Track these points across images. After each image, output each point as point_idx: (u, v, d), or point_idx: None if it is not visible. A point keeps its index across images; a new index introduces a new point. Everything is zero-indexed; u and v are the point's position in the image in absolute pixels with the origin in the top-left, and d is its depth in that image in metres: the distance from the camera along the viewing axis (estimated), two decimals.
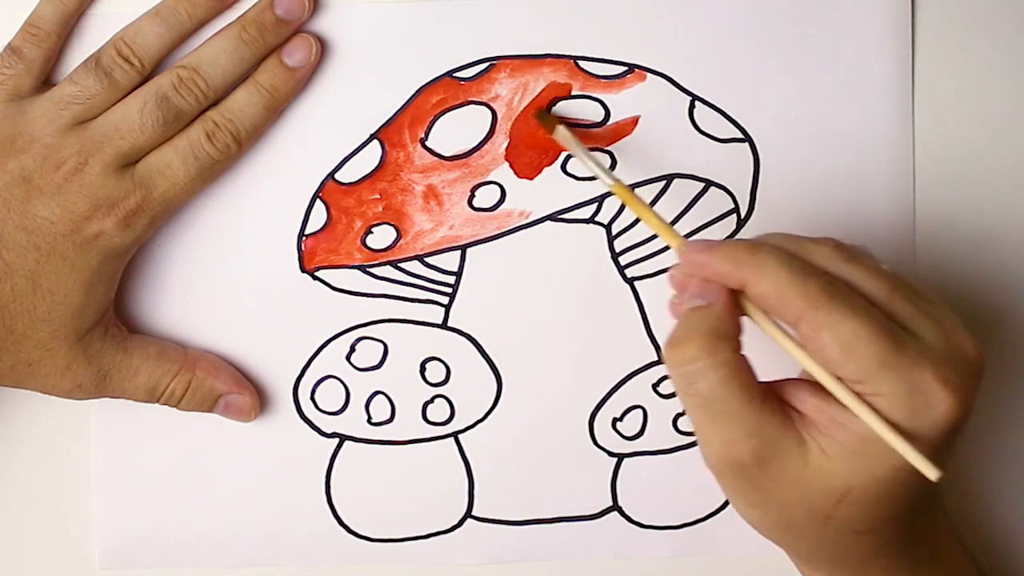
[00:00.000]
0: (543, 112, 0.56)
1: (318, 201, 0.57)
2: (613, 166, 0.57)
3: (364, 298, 0.58)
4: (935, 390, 0.45)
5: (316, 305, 0.58)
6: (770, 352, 0.49)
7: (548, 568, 0.59)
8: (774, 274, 0.46)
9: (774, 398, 0.48)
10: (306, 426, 0.59)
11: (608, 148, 0.57)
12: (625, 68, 0.57)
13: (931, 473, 0.45)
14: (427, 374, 0.58)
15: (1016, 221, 0.58)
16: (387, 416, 0.58)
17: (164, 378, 0.56)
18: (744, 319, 0.48)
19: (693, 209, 0.57)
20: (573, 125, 0.57)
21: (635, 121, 0.57)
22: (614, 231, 0.57)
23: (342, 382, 0.58)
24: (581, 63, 0.57)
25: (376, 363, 0.58)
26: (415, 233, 0.57)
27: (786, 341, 0.47)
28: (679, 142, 0.57)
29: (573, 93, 0.57)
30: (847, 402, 0.46)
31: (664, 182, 0.57)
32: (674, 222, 0.57)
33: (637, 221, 0.57)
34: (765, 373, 0.48)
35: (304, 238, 0.57)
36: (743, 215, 0.57)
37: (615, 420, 0.58)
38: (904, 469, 0.45)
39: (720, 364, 0.47)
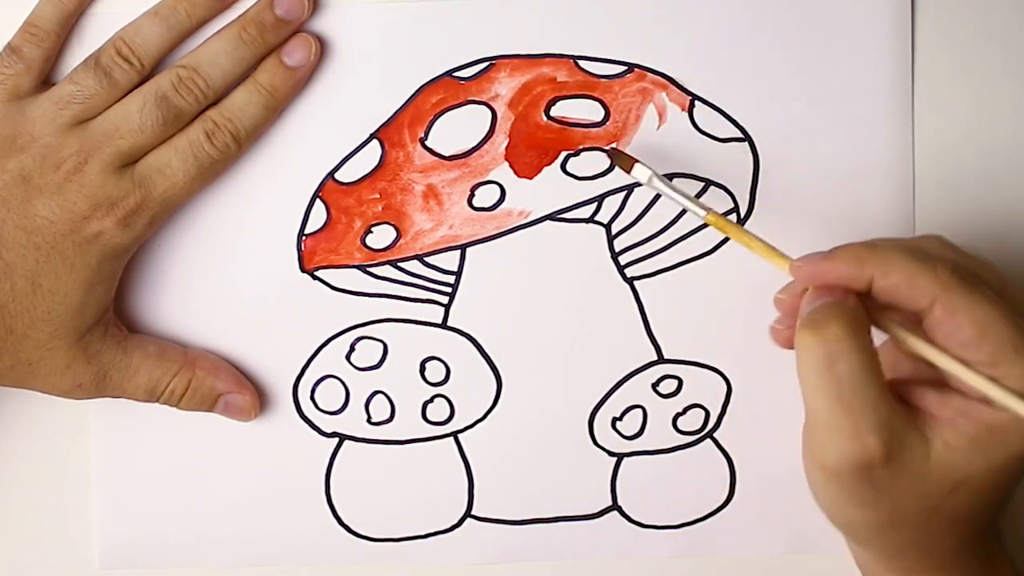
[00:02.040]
0: (617, 152, 0.56)
1: (318, 201, 0.57)
2: (613, 166, 0.57)
3: (364, 298, 0.58)
4: None
5: (316, 305, 0.58)
6: None
7: (548, 568, 0.59)
8: (902, 263, 0.47)
9: (898, 397, 0.48)
10: (306, 426, 0.59)
11: (608, 148, 0.57)
12: (625, 68, 0.57)
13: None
14: (427, 374, 0.58)
15: (1016, 221, 0.58)
16: (387, 416, 0.58)
17: (164, 377, 0.56)
18: None
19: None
20: (573, 125, 0.57)
21: (635, 120, 0.57)
22: (614, 231, 0.57)
23: (342, 382, 0.58)
24: (581, 63, 0.57)
25: (376, 363, 0.58)
26: (415, 233, 0.57)
27: (911, 337, 0.47)
28: (679, 142, 0.57)
29: (573, 93, 0.57)
30: (981, 385, 0.46)
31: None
32: (674, 222, 0.57)
33: (637, 221, 0.57)
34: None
35: (304, 238, 0.57)
36: (743, 215, 0.57)
37: (615, 420, 0.58)
38: (1022, 457, 0.46)
39: (862, 348, 0.47)
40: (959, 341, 0.46)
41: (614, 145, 0.56)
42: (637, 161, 0.54)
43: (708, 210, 0.53)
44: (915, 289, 0.47)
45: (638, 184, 0.57)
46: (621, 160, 0.55)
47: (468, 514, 0.59)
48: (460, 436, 0.59)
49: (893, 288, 0.47)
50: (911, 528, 0.49)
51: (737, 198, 0.57)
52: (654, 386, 0.58)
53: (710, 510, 0.59)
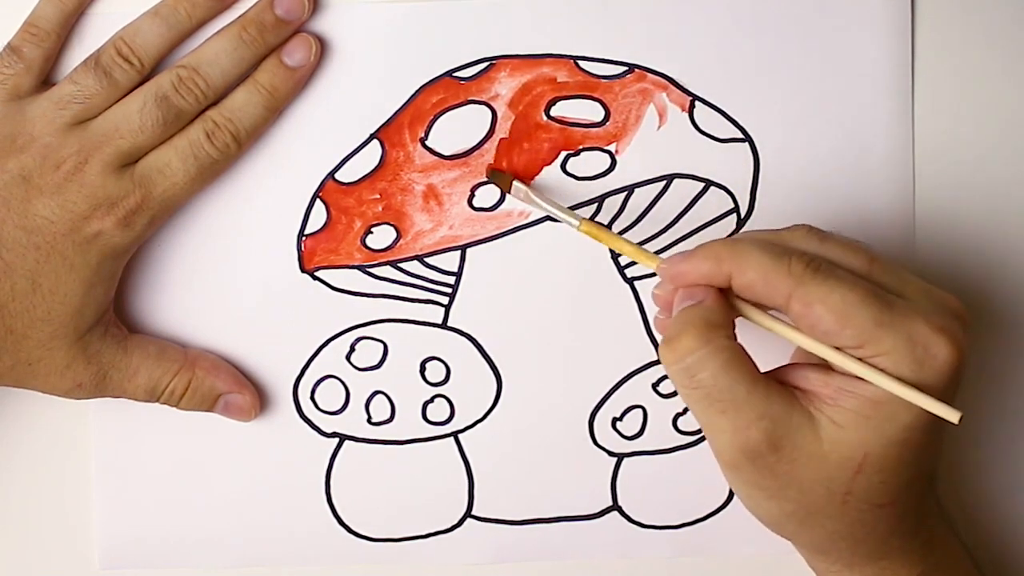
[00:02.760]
0: (495, 172, 0.56)
1: (318, 201, 0.57)
2: (613, 166, 0.57)
3: (364, 298, 0.58)
4: (933, 339, 0.47)
5: (316, 305, 0.58)
6: (758, 349, 0.49)
7: (548, 568, 0.59)
8: (757, 260, 0.48)
9: (775, 381, 0.49)
10: (306, 426, 0.59)
11: (608, 148, 0.57)
12: (625, 68, 0.57)
13: (952, 416, 0.46)
14: (427, 374, 0.58)
15: (1016, 221, 0.58)
16: (387, 416, 0.58)
17: (164, 377, 0.56)
18: (738, 321, 0.49)
19: (693, 209, 0.57)
20: (573, 125, 0.57)
21: (635, 121, 0.57)
22: (614, 231, 0.57)
23: (342, 382, 0.58)
24: (581, 63, 0.57)
25: (376, 363, 0.58)
26: (415, 233, 0.57)
27: (780, 326, 0.48)
28: (679, 142, 0.57)
29: (573, 93, 0.57)
30: (853, 368, 0.47)
31: (664, 182, 0.57)
32: (674, 222, 0.57)
33: (637, 221, 0.57)
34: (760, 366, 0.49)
35: (304, 238, 0.57)
36: (743, 215, 0.57)
37: (615, 420, 0.58)
38: (917, 428, 0.47)
39: (719, 350, 0.47)
40: (823, 330, 0.47)
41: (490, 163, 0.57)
42: (515, 179, 0.56)
43: (581, 219, 0.54)
44: (770, 286, 0.47)
45: (638, 186, 0.57)
46: (499, 179, 0.56)
47: (468, 514, 0.59)
48: (460, 436, 0.59)
49: (751, 285, 0.48)
50: (830, 517, 0.49)
51: (737, 198, 0.57)
52: (654, 386, 0.58)
53: (710, 510, 0.59)
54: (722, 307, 0.49)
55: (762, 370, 0.49)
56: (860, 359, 0.47)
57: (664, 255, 0.51)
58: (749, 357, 0.48)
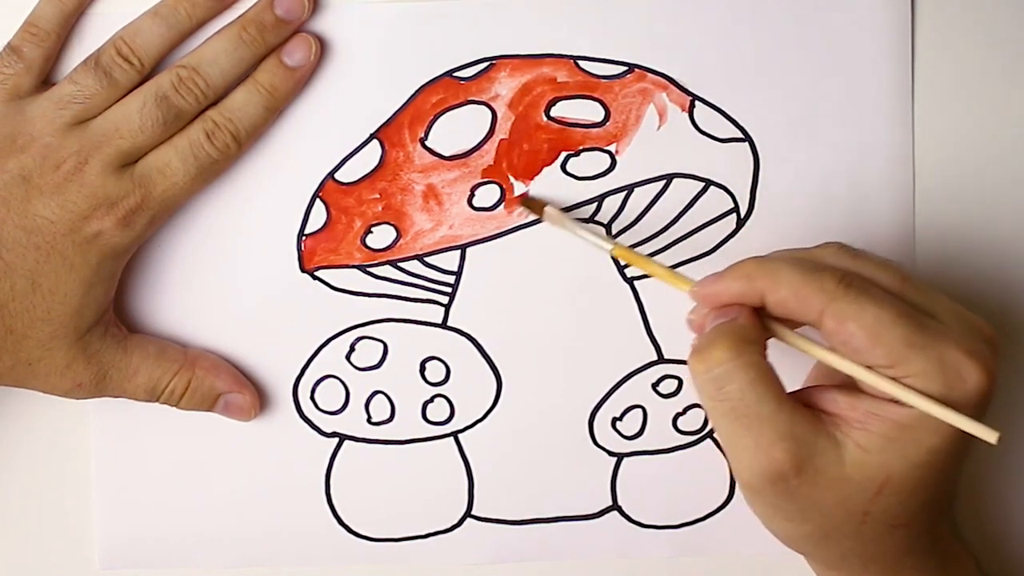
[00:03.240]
0: (528, 200, 0.56)
1: (318, 201, 0.57)
2: (613, 166, 0.57)
3: (364, 298, 0.58)
4: (964, 363, 0.46)
5: (316, 305, 0.58)
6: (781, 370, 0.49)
7: (548, 568, 0.59)
8: (788, 277, 0.47)
9: (802, 403, 0.48)
10: (306, 426, 0.59)
11: (608, 148, 0.57)
12: (625, 68, 0.57)
13: (990, 436, 0.46)
14: (427, 374, 0.58)
15: (1016, 221, 0.58)
16: (387, 416, 0.58)
17: (164, 377, 0.56)
18: (771, 341, 0.49)
19: (693, 209, 0.57)
20: (573, 125, 0.57)
21: (635, 121, 0.57)
22: (614, 231, 0.57)
23: (342, 382, 0.58)
24: (581, 63, 0.57)
25: (376, 363, 0.58)
26: (415, 233, 0.57)
27: (813, 347, 0.48)
28: (679, 142, 0.57)
29: (573, 93, 0.57)
30: (885, 387, 0.46)
31: (664, 182, 0.57)
32: (674, 222, 0.57)
33: (637, 220, 0.57)
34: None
35: (304, 238, 0.57)
36: (743, 215, 0.57)
37: (615, 420, 0.58)
38: (942, 451, 0.47)
39: (749, 365, 0.47)
40: (854, 348, 0.46)
41: (526, 190, 0.57)
42: (547, 204, 0.56)
43: (614, 244, 0.54)
44: (803, 302, 0.47)
45: (638, 185, 0.57)
46: (532, 205, 0.56)
47: (468, 514, 0.59)
48: (460, 436, 0.59)
49: (783, 302, 0.47)
50: (847, 536, 0.49)
51: (737, 198, 0.57)
52: (654, 386, 0.58)
53: (710, 510, 0.59)
54: (755, 324, 0.48)
55: (788, 391, 0.48)
56: (892, 378, 0.46)
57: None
58: (778, 378, 0.48)
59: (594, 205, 0.57)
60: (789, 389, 0.49)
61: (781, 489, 0.47)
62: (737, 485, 0.50)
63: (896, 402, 0.47)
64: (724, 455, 0.58)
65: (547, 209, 0.56)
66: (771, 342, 0.49)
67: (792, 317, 0.48)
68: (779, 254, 0.50)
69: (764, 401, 0.47)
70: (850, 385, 0.49)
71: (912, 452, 0.47)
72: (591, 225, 0.56)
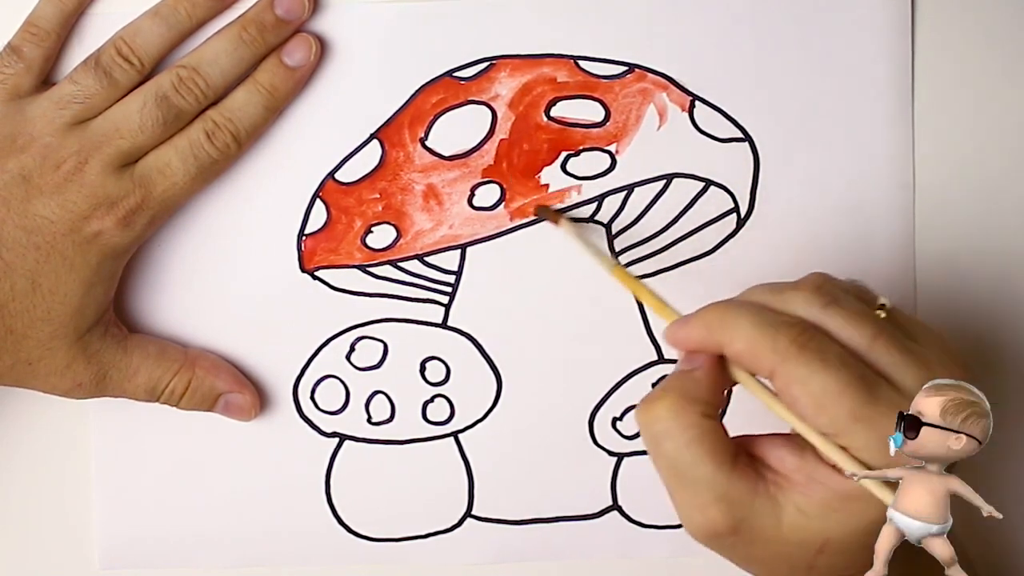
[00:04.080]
0: (542, 208, 0.56)
1: (318, 201, 0.57)
2: (613, 166, 0.57)
3: (364, 298, 0.58)
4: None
5: (316, 305, 0.58)
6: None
7: (548, 568, 0.59)
8: (745, 332, 0.46)
9: (746, 461, 0.47)
10: (306, 426, 0.59)
11: (608, 148, 0.57)
12: (625, 68, 0.57)
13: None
14: (427, 374, 0.58)
15: (1016, 221, 0.58)
16: (387, 416, 0.58)
17: (164, 377, 0.56)
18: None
19: (693, 209, 0.57)
20: (573, 125, 0.57)
21: (635, 121, 0.57)
22: (614, 230, 0.57)
23: (342, 382, 0.58)
24: (581, 63, 0.57)
25: (376, 363, 0.58)
26: (415, 232, 0.57)
27: (772, 401, 0.46)
28: (679, 142, 0.57)
29: (573, 94, 0.57)
30: (831, 455, 0.45)
31: (664, 182, 0.57)
32: (674, 222, 0.57)
33: (637, 220, 0.57)
34: (754, 428, 0.48)
35: (304, 238, 0.57)
36: (743, 215, 0.57)
37: (615, 419, 0.58)
38: (881, 522, 0.44)
39: (687, 426, 0.46)
40: (798, 412, 0.45)
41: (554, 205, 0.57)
42: (562, 215, 0.56)
43: (613, 265, 0.53)
44: (755, 359, 0.46)
45: (638, 185, 0.57)
46: (546, 214, 0.56)
47: (468, 514, 0.59)
48: (460, 436, 0.59)
49: (738, 355, 0.46)
50: None
51: (737, 198, 0.57)
52: (654, 386, 0.58)
53: None
54: (710, 380, 0.47)
55: (746, 430, 0.48)
56: (840, 447, 0.45)
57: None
58: (722, 435, 0.46)
59: (594, 205, 0.57)
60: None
61: (719, 545, 0.47)
62: None
63: (838, 470, 0.45)
64: None
65: (563, 220, 0.55)
66: None
67: (749, 370, 0.47)
68: (751, 295, 0.48)
69: (700, 463, 0.46)
70: (802, 440, 0.47)
71: (853, 522, 0.45)
72: (599, 242, 0.56)
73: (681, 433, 0.46)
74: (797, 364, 0.45)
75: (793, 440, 0.47)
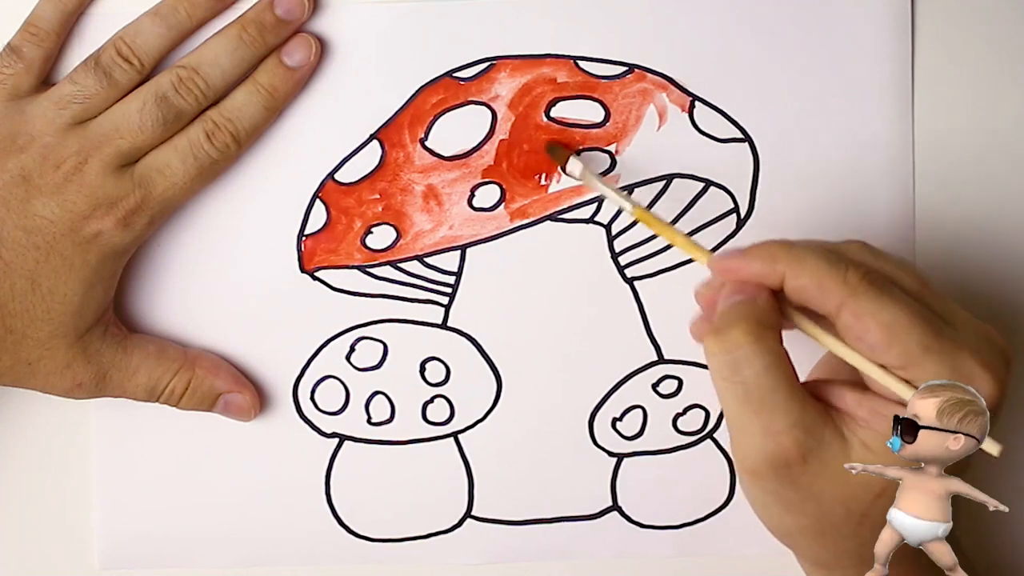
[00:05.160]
0: (552, 146, 0.56)
1: (318, 201, 0.57)
2: (613, 166, 0.57)
3: (364, 298, 0.58)
4: (977, 373, 0.46)
5: (316, 305, 0.58)
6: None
7: (548, 568, 0.59)
8: (813, 265, 0.47)
9: (811, 394, 0.48)
10: (306, 426, 0.59)
11: (608, 148, 0.57)
12: (625, 68, 0.57)
13: (993, 448, 0.45)
14: (427, 374, 0.58)
15: (1016, 221, 0.58)
16: (387, 416, 0.58)
17: (164, 377, 0.56)
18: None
19: (693, 209, 0.57)
20: (573, 126, 0.57)
21: (635, 121, 0.57)
22: (614, 231, 0.57)
23: (342, 382, 0.58)
24: (581, 63, 0.57)
25: (376, 363, 0.58)
26: (415, 233, 0.57)
27: (827, 337, 0.47)
28: (679, 142, 0.57)
29: (573, 94, 0.57)
30: (895, 388, 0.46)
31: (664, 182, 0.57)
32: (674, 222, 0.57)
33: (637, 221, 0.57)
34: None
35: (304, 238, 0.57)
36: (743, 215, 0.57)
37: (615, 420, 0.58)
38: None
39: (766, 351, 0.47)
40: (868, 345, 0.46)
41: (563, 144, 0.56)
42: (572, 154, 0.55)
43: (635, 205, 0.53)
44: (824, 292, 0.47)
45: (638, 185, 0.57)
46: (556, 154, 0.55)
47: (468, 514, 0.59)
48: (460, 436, 0.59)
49: (803, 289, 0.47)
50: (844, 536, 0.48)
51: (737, 198, 0.57)
52: (654, 386, 0.58)
53: (710, 510, 0.59)
54: (774, 308, 0.48)
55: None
56: (904, 380, 0.46)
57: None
58: (792, 365, 0.48)
59: (594, 205, 0.57)
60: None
61: (784, 476, 0.47)
62: (737, 471, 0.49)
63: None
64: (723, 451, 0.58)
65: (571, 159, 0.55)
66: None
67: (809, 306, 0.48)
68: (803, 242, 0.49)
69: (778, 388, 0.46)
70: (857, 382, 0.48)
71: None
72: (612, 184, 0.55)
73: (761, 358, 0.47)
74: (869, 298, 0.46)
75: (849, 381, 0.48)
